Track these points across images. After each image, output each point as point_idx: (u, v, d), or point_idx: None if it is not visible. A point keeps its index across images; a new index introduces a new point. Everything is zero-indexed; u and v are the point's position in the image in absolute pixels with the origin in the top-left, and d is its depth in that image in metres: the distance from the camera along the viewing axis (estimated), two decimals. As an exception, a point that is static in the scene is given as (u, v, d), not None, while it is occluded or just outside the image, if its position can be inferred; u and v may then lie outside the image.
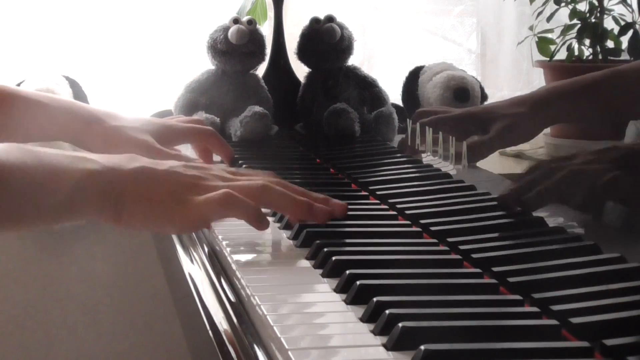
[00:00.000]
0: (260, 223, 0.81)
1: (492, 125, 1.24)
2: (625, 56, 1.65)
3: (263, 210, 0.84)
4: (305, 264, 0.76)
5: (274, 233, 0.88)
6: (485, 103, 1.55)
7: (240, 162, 1.17)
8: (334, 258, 0.73)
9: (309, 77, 1.47)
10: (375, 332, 0.60)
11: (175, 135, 1.18)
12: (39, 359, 1.52)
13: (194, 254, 0.86)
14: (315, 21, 1.43)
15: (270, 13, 1.53)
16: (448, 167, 1.15)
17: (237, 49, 1.38)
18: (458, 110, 1.32)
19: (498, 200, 0.92)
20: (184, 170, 0.83)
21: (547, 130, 1.66)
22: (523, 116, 1.25)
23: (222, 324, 0.69)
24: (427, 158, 1.22)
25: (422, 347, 0.54)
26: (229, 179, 0.84)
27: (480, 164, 1.24)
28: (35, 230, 0.82)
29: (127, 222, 0.80)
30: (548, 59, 1.68)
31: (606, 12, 1.64)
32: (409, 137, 1.28)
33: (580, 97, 1.27)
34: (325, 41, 1.42)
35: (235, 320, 0.67)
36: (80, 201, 0.79)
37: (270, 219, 0.91)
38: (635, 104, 1.29)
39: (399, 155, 1.24)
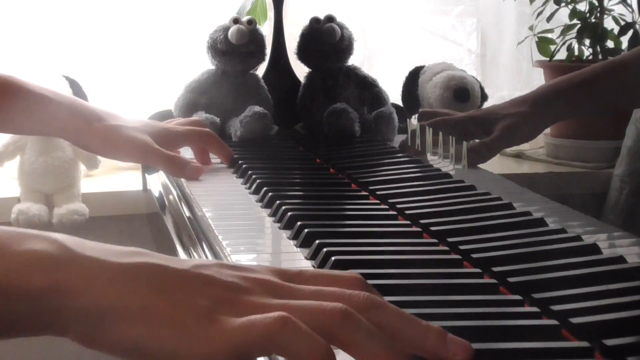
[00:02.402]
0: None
1: (494, 126, 1.25)
2: (625, 56, 1.65)
3: None
4: (306, 263, 0.76)
5: (274, 233, 0.88)
6: (485, 103, 1.56)
7: (240, 162, 1.17)
8: (333, 258, 0.73)
9: (309, 77, 1.47)
10: (375, 332, 0.60)
11: (175, 139, 1.19)
12: (39, 359, 1.52)
13: (194, 254, 0.86)
14: (315, 21, 1.43)
15: (270, 13, 1.53)
16: (448, 167, 1.15)
17: (237, 49, 1.38)
18: (459, 114, 1.32)
19: None
20: (214, 273, 0.53)
21: (547, 130, 1.66)
22: (524, 115, 1.25)
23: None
24: (427, 158, 1.22)
25: (422, 347, 0.54)
26: (285, 291, 0.53)
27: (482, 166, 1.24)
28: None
29: (107, 349, 0.51)
30: (548, 59, 1.68)
31: (606, 12, 1.64)
32: (409, 138, 1.28)
33: (579, 92, 1.27)
34: (325, 41, 1.42)
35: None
36: (12, 308, 0.49)
37: (270, 219, 0.92)
38: (635, 93, 1.29)
39: (399, 155, 1.24)
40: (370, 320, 0.51)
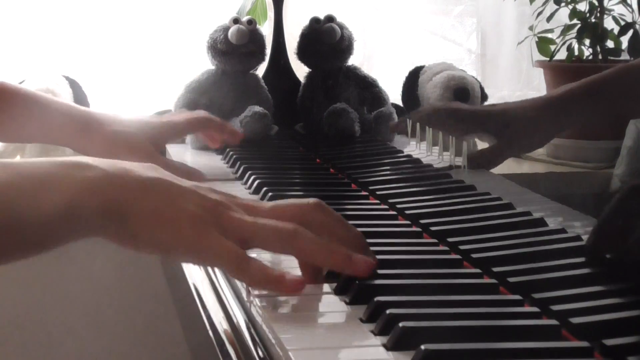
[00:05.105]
0: (282, 287, 0.66)
1: (505, 130, 1.21)
2: (625, 56, 1.65)
3: None
4: (305, 264, 0.76)
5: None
6: (485, 103, 1.55)
7: (240, 162, 1.17)
8: (334, 258, 0.73)
9: (309, 77, 1.47)
10: (375, 332, 0.60)
11: (176, 130, 1.19)
12: (39, 359, 1.52)
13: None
14: (315, 21, 1.43)
15: (270, 13, 1.53)
16: (446, 166, 1.15)
17: (237, 49, 1.38)
18: (471, 107, 1.29)
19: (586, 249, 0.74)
20: (207, 192, 0.69)
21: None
22: (537, 121, 1.21)
23: (222, 323, 0.69)
24: (427, 158, 1.22)
25: (422, 347, 0.54)
26: (256, 211, 0.70)
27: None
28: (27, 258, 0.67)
29: (133, 244, 0.67)
30: (548, 59, 1.68)
31: (606, 12, 1.64)
32: (409, 130, 1.26)
33: (595, 97, 1.24)
34: (325, 41, 1.42)
35: (235, 319, 0.67)
36: (78, 219, 0.66)
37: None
38: None
39: (399, 155, 1.24)
40: (315, 220, 0.69)
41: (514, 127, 1.21)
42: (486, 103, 1.56)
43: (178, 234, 0.66)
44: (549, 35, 1.70)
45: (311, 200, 0.70)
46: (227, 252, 0.66)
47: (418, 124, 1.23)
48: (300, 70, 1.49)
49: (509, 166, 1.66)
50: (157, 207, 0.66)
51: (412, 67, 1.61)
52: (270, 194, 0.97)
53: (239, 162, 1.17)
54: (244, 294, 0.69)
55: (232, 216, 0.68)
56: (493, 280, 0.70)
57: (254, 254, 0.69)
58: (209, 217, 0.67)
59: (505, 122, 1.21)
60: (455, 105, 1.27)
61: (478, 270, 0.72)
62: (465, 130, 1.19)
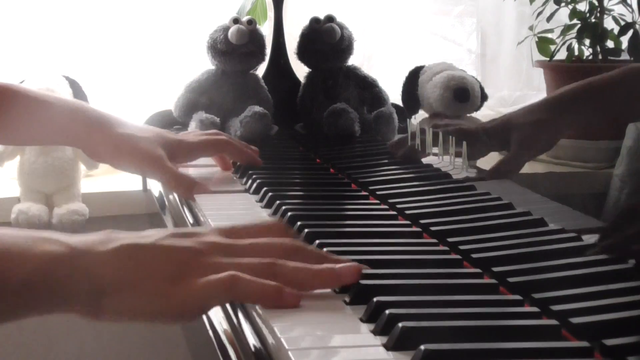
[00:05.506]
0: (282, 300, 0.65)
1: (510, 138, 1.19)
2: (625, 56, 1.65)
3: None
4: (305, 264, 0.76)
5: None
6: (485, 103, 1.55)
7: (239, 162, 1.17)
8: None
9: (309, 77, 1.47)
10: (375, 332, 0.60)
11: (189, 151, 1.14)
12: (39, 359, 1.52)
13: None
14: (315, 21, 1.43)
15: (270, 13, 1.53)
16: (448, 168, 1.15)
17: (237, 49, 1.38)
18: (472, 125, 1.27)
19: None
20: (174, 242, 0.67)
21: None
22: (540, 124, 1.20)
23: (222, 324, 0.69)
24: (427, 158, 1.21)
25: (422, 347, 0.54)
26: (230, 250, 0.69)
27: (481, 164, 1.23)
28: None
29: (110, 317, 0.64)
30: (548, 59, 1.68)
31: (606, 12, 1.64)
32: (418, 145, 1.23)
33: (597, 98, 1.22)
34: (325, 41, 1.42)
35: (235, 319, 0.67)
36: (39, 294, 0.63)
37: (270, 219, 0.91)
38: None
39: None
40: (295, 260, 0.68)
41: (520, 132, 1.19)
42: (486, 103, 1.56)
43: (160, 301, 0.64)
44: (549, 35, 1.70)
45: (287, 241, 0.70)
46: (211, 283, 0.64)
47: (419, 143, 1.20)
48: (300, 70, 1.49)
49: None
50: (131, 279, 0.64)
51: (412, 67, 1.61)
52: (270, 194, 0.97)
53: (238, 162, 1.17)
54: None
55: (207, 262, 0.66)
56: (493, 280, 0.70)
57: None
58: (185, 268, 0.65)
59: (510, 130, 1.20)
60: (460, 129, 1.23)
61: (478, 270, 0.72)
62: (477, 152, 1.17)
